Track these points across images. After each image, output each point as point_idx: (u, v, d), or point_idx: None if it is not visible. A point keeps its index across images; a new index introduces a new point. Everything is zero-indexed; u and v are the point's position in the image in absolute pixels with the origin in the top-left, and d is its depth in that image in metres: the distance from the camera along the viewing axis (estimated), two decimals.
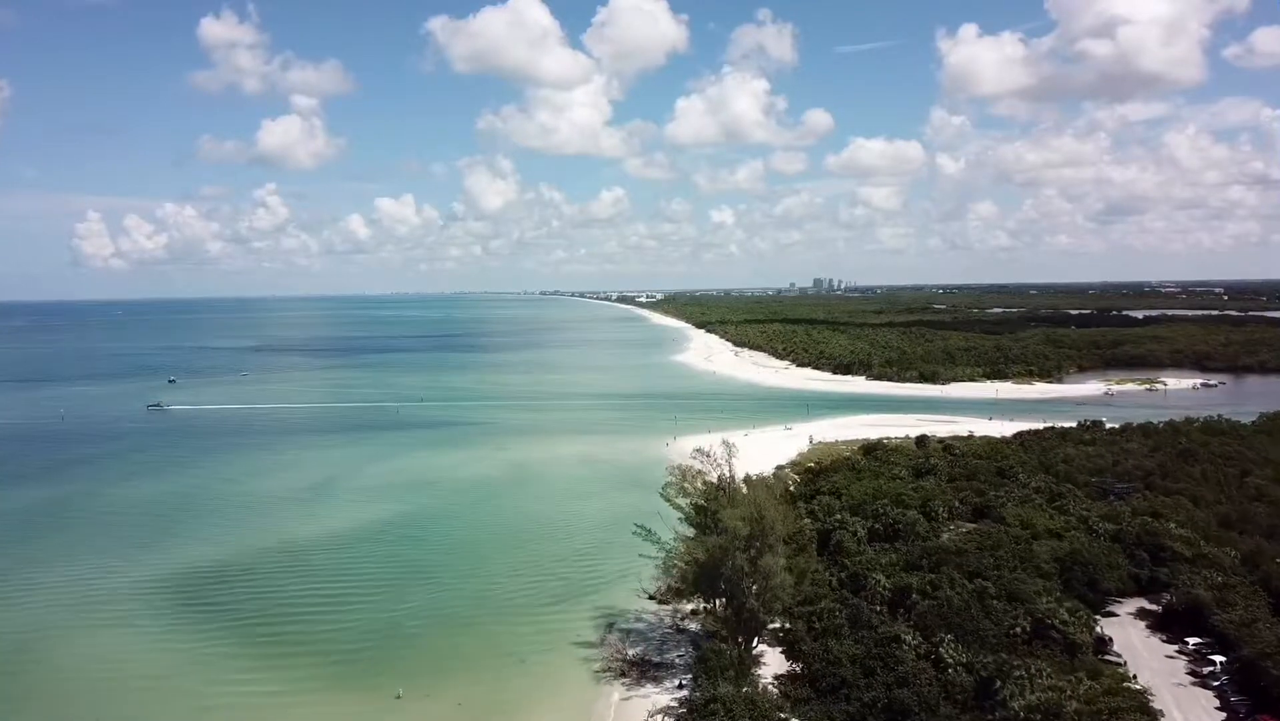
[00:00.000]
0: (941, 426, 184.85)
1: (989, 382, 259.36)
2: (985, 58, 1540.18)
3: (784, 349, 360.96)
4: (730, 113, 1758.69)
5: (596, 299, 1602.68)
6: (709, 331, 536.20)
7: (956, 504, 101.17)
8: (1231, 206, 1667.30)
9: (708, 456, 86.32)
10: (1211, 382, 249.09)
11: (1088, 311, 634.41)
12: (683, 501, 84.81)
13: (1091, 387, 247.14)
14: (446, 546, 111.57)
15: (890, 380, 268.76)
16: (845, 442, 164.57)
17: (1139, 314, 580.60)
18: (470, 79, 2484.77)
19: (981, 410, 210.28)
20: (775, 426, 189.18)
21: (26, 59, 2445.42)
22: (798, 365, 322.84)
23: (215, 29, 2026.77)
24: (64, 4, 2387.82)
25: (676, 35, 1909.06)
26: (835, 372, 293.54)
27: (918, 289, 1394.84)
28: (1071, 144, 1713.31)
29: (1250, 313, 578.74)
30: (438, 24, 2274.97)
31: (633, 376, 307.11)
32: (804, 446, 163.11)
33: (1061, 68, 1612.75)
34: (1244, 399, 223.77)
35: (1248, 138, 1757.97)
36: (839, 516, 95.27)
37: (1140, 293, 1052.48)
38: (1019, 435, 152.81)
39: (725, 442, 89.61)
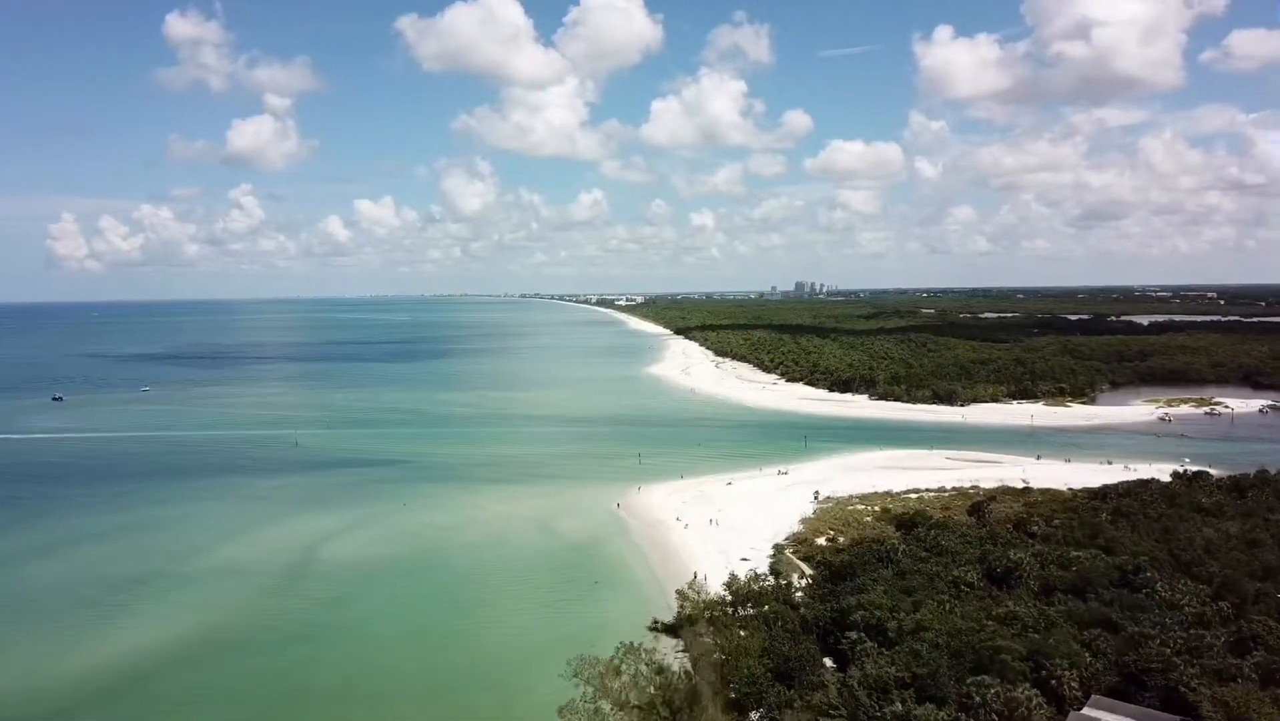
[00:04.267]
0: (979, 470, 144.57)
1: (1015, 404, 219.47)
2: (961, 60, 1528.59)
3: (771, 360, 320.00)
4: (707, 115, 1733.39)
5: (576, 302, 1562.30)
6: (688, 338, 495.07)
7: (1089, 659, 59.72)
8: (1208, 212, 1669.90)
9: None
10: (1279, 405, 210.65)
11: (1086, 316, 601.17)
12: None
13: (1140, 411, 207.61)
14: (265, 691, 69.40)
15: (899, 400, 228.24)
16: (863, 499, 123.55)
17: (1144, 320, 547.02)
18: (442, 78, 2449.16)
19: (1019, 442, 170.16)
20: (767, 467, 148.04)
21: None
22: (788, 380, 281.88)
23: (181, 26, 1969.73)
24: None
25: (651, 35, 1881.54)
26: (832, 390, 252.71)
27: (900, 293, 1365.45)
28: (1048, 148, 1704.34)
29: (1259, 319, 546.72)
30: (407, 22, 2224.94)
31: (598, 394, 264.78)
32: (807, 504, 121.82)
33: (1038, 71, 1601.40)
34: None
35: (1223, 144, 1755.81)
36: (900, 707, 53.33)
37: (1131, 297, 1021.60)
38: (1102, 491, 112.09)
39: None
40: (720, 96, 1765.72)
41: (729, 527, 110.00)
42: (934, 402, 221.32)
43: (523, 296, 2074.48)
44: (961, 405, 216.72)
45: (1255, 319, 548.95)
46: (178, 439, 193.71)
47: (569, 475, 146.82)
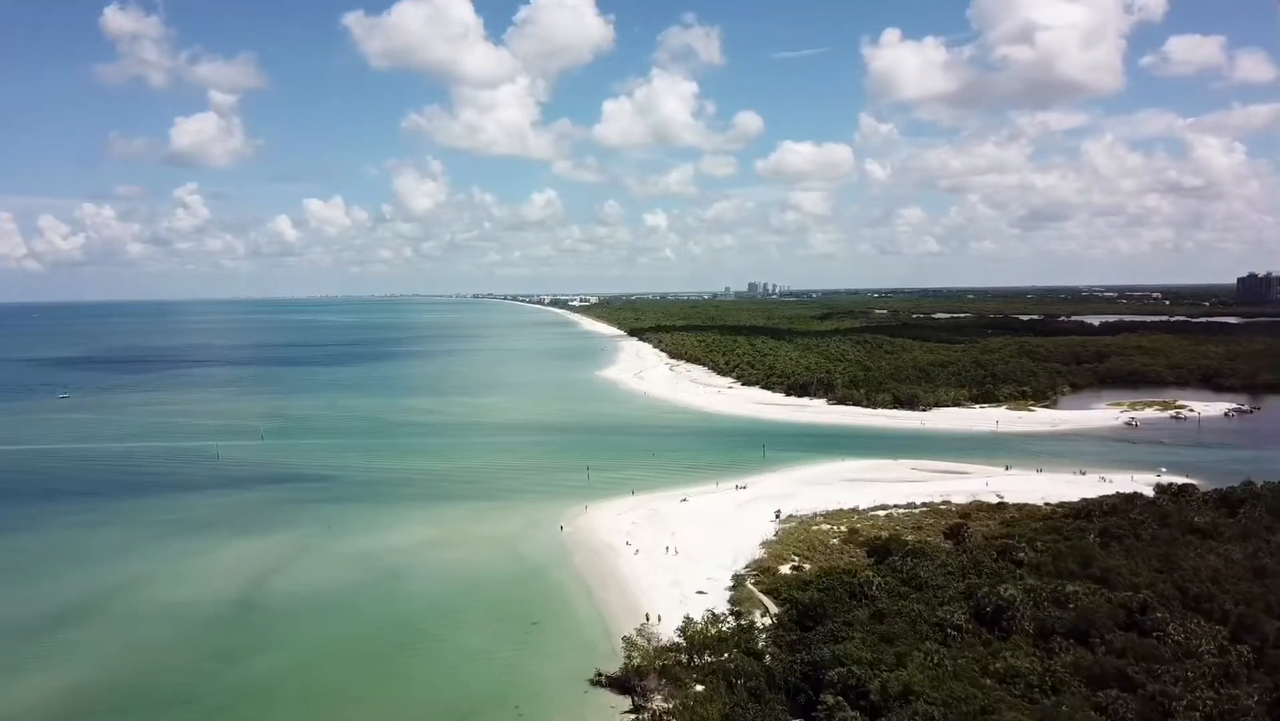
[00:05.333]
0: (947, 482, 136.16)
1: (978, 408, 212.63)
2: (908, 62, 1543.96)
3: (726, 363, 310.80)
4: (659, 115, 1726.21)
5: (529, 302, 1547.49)
6: (642, 340, 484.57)
7: None
8: (1148, 213, 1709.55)
9: None
10: (1245, 408, 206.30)
11: (1037, 317, 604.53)
12: None
13: (1105, 415, 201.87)
14: None
15: (858, 404, 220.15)
16: (827, 517, 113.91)
17: (1094, 320, 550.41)
18: (391, 76, 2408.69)
19: (985, 450, 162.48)
20: (724, 481, 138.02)
21: None
22: (744, 383, 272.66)
23: (120, 20, 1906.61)
24: None
25: (602, 35, 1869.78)
26: (790, 394, 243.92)
27: (852, 293, 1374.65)
28: (994, 151, 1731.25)
29: (1207, 319, 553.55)
30: (354, 19, 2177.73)
31: (546, 400, 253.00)
32: (768, 524, 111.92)
33: (983, 74, 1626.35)
34: None
35: (1162, 147, 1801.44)
36: None
37: (1078, 297, 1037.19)
38: (1084, 509, 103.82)
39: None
40: (671, 97, 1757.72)
41: (684, 553, 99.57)
42: (895, 407, 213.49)
43: (475, 297, 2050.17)
44: (923, 409, 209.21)
45: (1202, 319, 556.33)
46: (87, 452, 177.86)
47: (510, 492, 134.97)
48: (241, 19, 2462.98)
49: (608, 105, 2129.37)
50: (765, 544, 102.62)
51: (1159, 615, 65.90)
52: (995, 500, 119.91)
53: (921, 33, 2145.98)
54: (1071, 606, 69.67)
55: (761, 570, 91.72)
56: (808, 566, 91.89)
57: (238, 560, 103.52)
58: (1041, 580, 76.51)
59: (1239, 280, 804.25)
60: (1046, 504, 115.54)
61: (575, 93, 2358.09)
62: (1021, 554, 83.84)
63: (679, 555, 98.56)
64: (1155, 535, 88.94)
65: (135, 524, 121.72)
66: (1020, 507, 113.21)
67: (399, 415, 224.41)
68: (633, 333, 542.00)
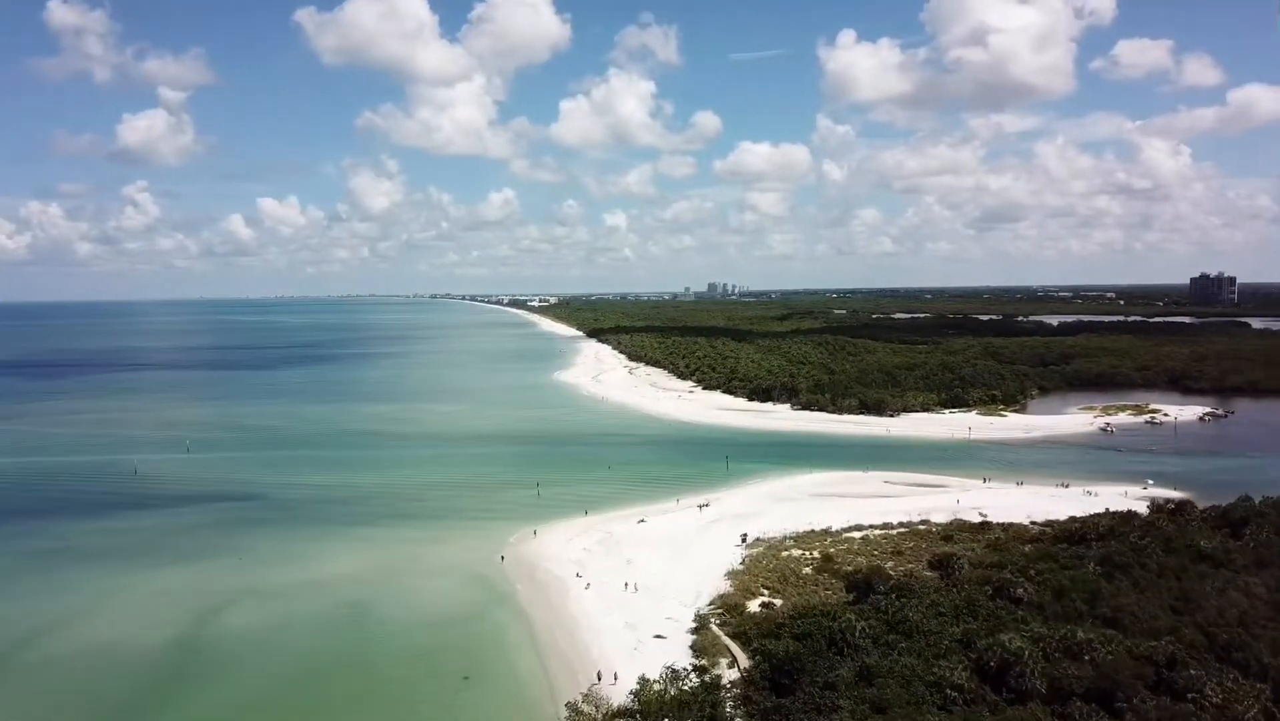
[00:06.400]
0: (923, 497, 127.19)
1: (948, 413, 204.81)
2: (864, 64, 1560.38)
3: (687, 366, 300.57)
4: (617, 115, 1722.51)
5: (487, 303, 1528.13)
6: (601, 341, 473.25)
7: None
8: (1098, 215, 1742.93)
9: None
10: (1219, 412, 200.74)
11: (997, 317, 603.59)
12: None
13: (1078, 420, 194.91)
14: None
15: (823, 410, 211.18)
16: (798, 540, 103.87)
17: (1053, 320, 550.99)
18: (344, 74, 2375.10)
19: (960, 460, 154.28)
20: (685, 496, 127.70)
21: None
22: (705, 387, 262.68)
23: (63, 14, 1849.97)
24: None
25: (559, 33, 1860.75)
26: (752, 399, 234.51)
27: (811, 293, 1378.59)
28: (949, 152, 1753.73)
29: (1162, 319, 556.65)
30: (305, 15, 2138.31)
31: (499, 406, 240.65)
32: (734, 550, 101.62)
33: (938, 76, 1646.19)
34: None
35: (1112, 150, 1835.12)
36: None
37: (1034, 297, 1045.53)
38: (1078, 533, 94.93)
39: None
40: (629, 97, 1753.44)
41: (642, 588, 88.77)
42: (861, 412, 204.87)
43: (433, 297, 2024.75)
44: (891, 415, 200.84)
45: (1158, 319, 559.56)
46: None
47: (450, 513, 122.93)
48: (189, 14, 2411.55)
49: (565, 104, 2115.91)
50: (731, 574, 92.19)
51: (1192, 672, 56.54)
52: (978, 518, 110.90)
53: (877, 34, 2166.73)
54: (1088, 659, 60.13)
55: (728, 607, 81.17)
56: (779, 603, 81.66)
57: (137, 596, 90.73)
58: (1047, 624, 66.99)
59: (1191, 280, 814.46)
60: (1033, 522, 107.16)
61: (532, 92, 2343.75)
62: (1020, 590, 74.21)
63: (637, 591, 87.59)
64: (1162, 564, 79.96)
65: (23, 551, 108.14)
66: (1006, 528, 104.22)
67: (339, 423, 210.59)
68: (592, 334, 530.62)
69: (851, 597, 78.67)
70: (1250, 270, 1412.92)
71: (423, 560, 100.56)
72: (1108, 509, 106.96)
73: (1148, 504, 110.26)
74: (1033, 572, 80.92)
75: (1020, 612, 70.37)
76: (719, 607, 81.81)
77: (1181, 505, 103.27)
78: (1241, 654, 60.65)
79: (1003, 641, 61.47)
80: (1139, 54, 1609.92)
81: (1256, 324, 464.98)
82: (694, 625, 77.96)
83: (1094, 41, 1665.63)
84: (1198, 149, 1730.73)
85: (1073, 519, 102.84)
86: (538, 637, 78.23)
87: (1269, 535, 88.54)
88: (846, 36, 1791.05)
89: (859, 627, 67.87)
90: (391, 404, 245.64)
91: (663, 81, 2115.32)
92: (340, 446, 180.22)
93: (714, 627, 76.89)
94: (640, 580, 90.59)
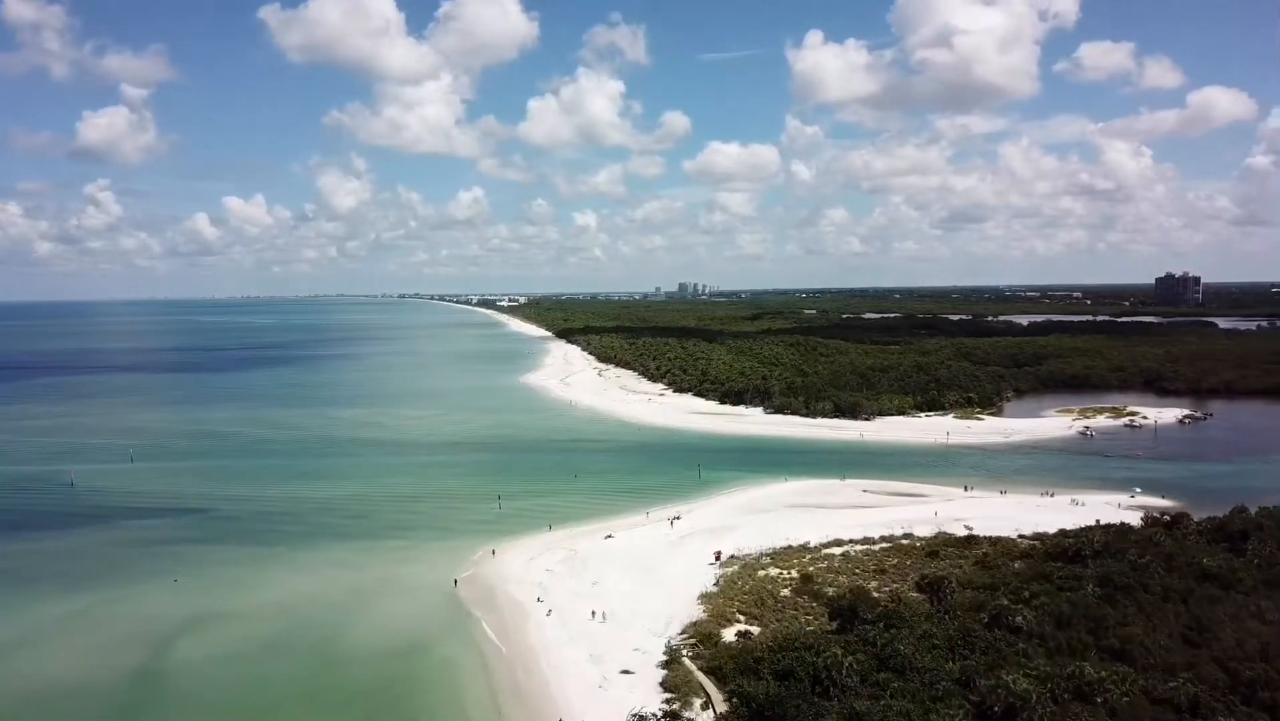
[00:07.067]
0: (904, 508, 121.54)
1: (924, 416, 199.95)
2: (831, 65, 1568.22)
3: (657, 367, 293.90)
4: (585, 114, 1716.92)
5: (456, 302, 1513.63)
6: (570, 342, 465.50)
7: None
8: (1062, 215, 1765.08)
9: None
10: (1198, 415, 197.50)
11: (966, 317, 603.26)
12: None
13: (1057, 423, 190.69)
14: None
15: (796, 413, 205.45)
16: (775, 557, 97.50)
17: (1022, 320, 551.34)
18: (310, 71, 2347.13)
19: (939, 467, 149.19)
20: (655, 508, 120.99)
21: None
22: (676, 390, 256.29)
23: (19, 8, 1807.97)
24: None
25: (526, 32, 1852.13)
26: (724, 402, 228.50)
27: (780, 293, 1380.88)
28: (916, 153, 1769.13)
29: (1129, 318, 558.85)
30: (269, 12, 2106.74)
31: (462, 410, 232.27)
32: (707, 569, 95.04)
33: (904, 77, 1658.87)
34: (1267, 438, 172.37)
35: (1076, 151, 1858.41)
36: None
37: (1002, 297, 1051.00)
38: (1071, 548, 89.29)
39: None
40: (598, 96, 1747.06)
41: (608, 613, 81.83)
42: (836, 416, 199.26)
43: (401, 297, 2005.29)
44: (866, 419, 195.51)
45: (1126, 318, 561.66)
46: None
47: (403, 530, 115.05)
48: (149, 10, 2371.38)
49: (533, 104, 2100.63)
50: (704, 597, 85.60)
51: (1220, 719, 50.72)
52: (962, 530, 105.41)
53: (844, 35, 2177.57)
54: (1100, 700, 54.18)
55: (701, 637, 74.46)
56: (756, 631, 75.18)
57: (56, 622, 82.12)
58: (1050, 658, 61.10)
59: (1157, 280, 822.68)
60: (1021, 535, 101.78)
61: (500, 91, 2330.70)
62: (1019, 618, 68.23)
63: (604, 621, 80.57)
64: (1166, 585, 74.46)
65: None
66: (994, 542, 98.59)
67: (295, 430, 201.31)
68: (561, 334, 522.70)
69: (835, 626, 72.26)
70: (1210, 270, 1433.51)
71: (369, 585, 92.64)
72: (1098, 520, 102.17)
73: (1140, 515, 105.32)
74: (1028, 595, 75.26)
75: (1020, 645, 64.34)
76: (691, 637, 75.10)
77: (1177, 517, 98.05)
78: (1267, 693, 55.07)
79: (1006, 682, 55.36)
80: (1102, 56, 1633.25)
81: (1223, 324, 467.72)
82: (664, 658, 71.15)
83: (1058, 44, 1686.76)
84: (1159, 151, 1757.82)
85: (1063, 532, 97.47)
86: (494, 674, 70.93)
87: (1273, 550, 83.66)
88: (814, 37, 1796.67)
89: (846, 664, 61.51)
90: (351, 408, 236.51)
91: (631, 81, 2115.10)
92: (294, 455, 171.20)
93: (686, 661, 70.17)
94: (607, 605, 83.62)
